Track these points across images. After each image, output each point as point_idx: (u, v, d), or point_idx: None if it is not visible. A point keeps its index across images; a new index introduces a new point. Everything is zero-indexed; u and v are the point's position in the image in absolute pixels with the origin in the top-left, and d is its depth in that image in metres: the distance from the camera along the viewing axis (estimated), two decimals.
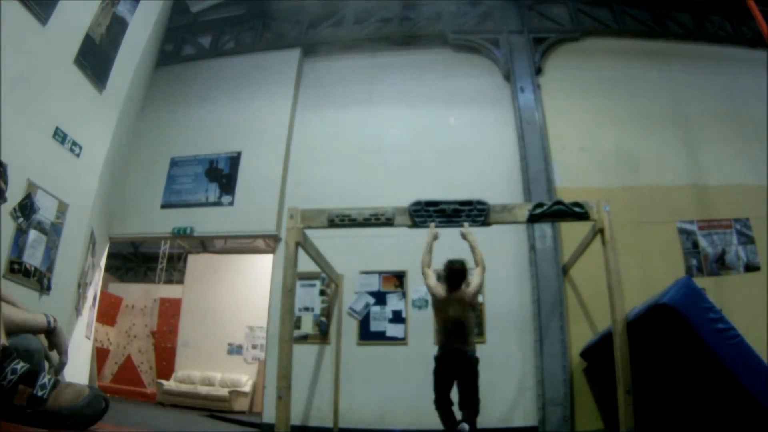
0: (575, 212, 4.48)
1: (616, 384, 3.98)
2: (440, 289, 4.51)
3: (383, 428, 5.94)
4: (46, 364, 1.95)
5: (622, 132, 7.17)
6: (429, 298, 4.79)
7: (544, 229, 6.42)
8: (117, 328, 12.18)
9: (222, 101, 7.96)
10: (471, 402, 4.26)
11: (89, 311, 6.69)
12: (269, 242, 7.29)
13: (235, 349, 10.82)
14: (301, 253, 4.61)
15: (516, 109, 7.32)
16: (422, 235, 4.50)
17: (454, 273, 4.48)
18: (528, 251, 6.52)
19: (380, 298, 6.57)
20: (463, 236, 4.57)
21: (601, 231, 4.41)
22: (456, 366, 4.34)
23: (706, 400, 3.64)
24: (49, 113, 4.97)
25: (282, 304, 4.33)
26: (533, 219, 4.58)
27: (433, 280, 4.55)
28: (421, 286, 6.47)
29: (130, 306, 12.42)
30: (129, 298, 12.52)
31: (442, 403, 4.35)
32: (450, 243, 4.62)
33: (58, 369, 2.05)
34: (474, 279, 4.51)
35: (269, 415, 5.79)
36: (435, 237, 4.55)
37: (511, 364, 6.11)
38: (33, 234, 4.72)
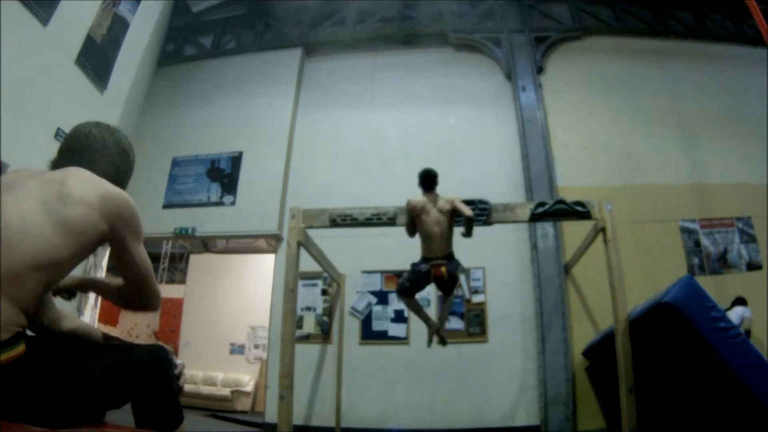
0: (577, 211, 4.47)
1: (619, 383, 3.97)
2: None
3: (385, 428, 5.94)
4: None
5: (624, 131, 7.16)
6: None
7: (546, 228, 6.41)
8: (119, 328, 12.18)
9: (223, 101, 7.96)
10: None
11: (91, 311, 6.71)
12: (271, 242, 7.28)
13: (237, 349, 10.81)
14: (303, 252, 4.61)
15: (517, 108, 7.31)
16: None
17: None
18: (530, 250, 6.52)
19: (382, 297, 6.57)
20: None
21: (603, 230, 4.40)
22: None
23: (708, 398, 3.64)
24: (50, 114, 4.98)
25: (284, 304, 4.33)
26: (535, 218, 4.57)
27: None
28: None
29: None
30: None
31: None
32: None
33: None
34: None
35: (271, 415, 5.79)
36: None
37: (513, 363, 6.11)
38: None
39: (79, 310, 5.96)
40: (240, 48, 8.70)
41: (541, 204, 4.54)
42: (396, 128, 7.56)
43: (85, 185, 1.43)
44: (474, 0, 8.40)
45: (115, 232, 1.47)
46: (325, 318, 6.55)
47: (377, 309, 6.52)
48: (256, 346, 10.68)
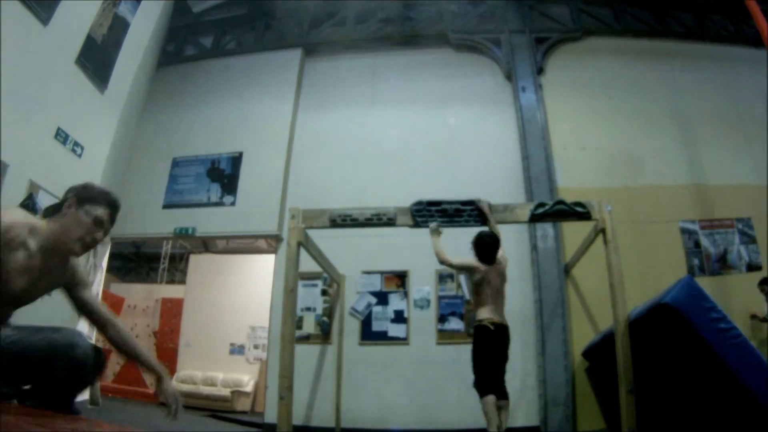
0: (577, 212, 4.47)
1: (618, 384, 3.97)
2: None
3: (385, 428, 5.94)
4: None
5: (624, 131, 7.17)
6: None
7: (546, 228, 6.42)
8: None
9: (223, 101, 7.96)
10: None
11: None
12: (271, 242, 7.28)
13: (237, 349, 10.81)
14: (303, 253, 4.60)
15: (517, 109, 7.31)
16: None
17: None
18: (530, 251, 6.52)
19: (382, 298, 6.57)
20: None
21: (603, 231, 4.40)
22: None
23: (708, 400, 3.63)
24: (50, 114, 4.99)
25: (284, 304, 4.32)
26: (535, 219, 4.57)
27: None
28: (423, 286, 6.51)
29: (132, 306, 12.40)
30: (131, 299, 12.50)
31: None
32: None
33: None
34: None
35: (271, 415, 5.79)
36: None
37: (513, 363, 6.01)
38: None
39: None
40: (240, 48, 8.70)
41: (541, 205, 4.54)
42: (396, 129, 7.56)
43: None
44: (474, 0, 8.41)
45: None
46: (325, 318, 6.55)
47: (377, 309, 6.52)
48: (256, 347, 10.68)
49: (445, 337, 6.29)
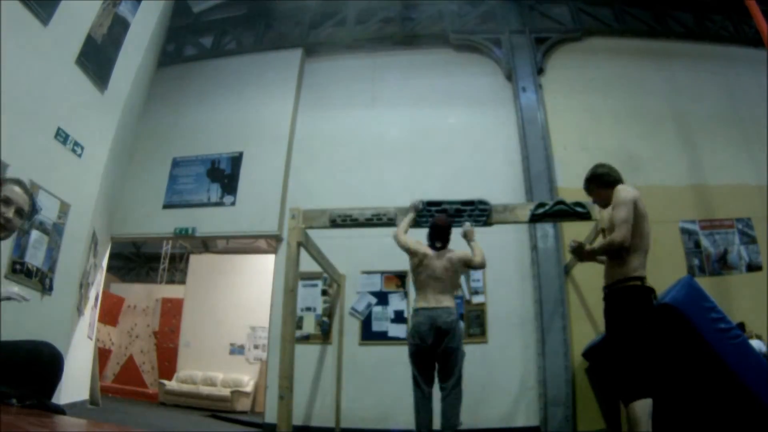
0: (577, 212, 4.47)
1: None
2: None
3: (385, 428, 5.94)
4: None
5: (624, 132, 7.16)
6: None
7: (546, 228, 6.41)
8: (119, 328, 12.17)
9: (223, 101, 7.96)
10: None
11: (91, 311, 6.70)
12: (271, 242, 7.28)
13: (237, 350, 10.81)
14: (303, 253, 4.60)
15: (518, 109, 7.31)
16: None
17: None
18: (530, 251, 6.52)
19: (382, 298, 6.57)
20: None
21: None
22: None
23: (708, 399, 3.63)
24: (50, 114, 4.98)
25: (284, 305, 4.32)
26: (535, 219, 4.57)
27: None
28: None
29: (132, 306, 12.42)
30: (131, 299, 12.51)
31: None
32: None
33: None
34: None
35: (271, 416, 5.79)
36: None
37: (513, 363, 6.11)
38: (35, 234, 4.73)
39: (79, 310, 5.95)
40: (240, 48, 8.71)
41: (542, 205, 4.54)
42: (396, 129, 7.56)
43: None
44: (474, 0, 8.41)
45: None
46: (325, 318, 6.55)
47: (377, 309, 6.52)
48: (256, 347, 10.68)
49: None
